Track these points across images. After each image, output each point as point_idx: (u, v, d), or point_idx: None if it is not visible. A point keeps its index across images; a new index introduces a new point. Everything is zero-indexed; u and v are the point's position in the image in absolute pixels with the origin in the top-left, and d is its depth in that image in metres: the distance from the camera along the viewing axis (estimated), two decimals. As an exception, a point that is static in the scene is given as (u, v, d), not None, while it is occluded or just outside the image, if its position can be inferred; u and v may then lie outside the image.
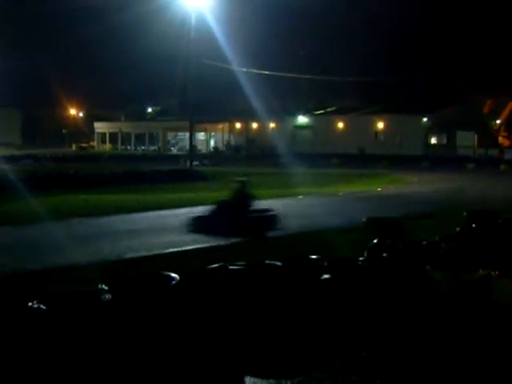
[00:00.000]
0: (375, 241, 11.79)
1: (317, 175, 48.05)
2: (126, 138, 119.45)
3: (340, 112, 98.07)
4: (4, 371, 6.17)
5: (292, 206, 28.77)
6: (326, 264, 9.71)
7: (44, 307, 6.57)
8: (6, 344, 6.27)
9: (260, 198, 30.92)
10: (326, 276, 9.11)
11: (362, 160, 72.07)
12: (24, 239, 18.69)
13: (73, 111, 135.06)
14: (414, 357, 8.33)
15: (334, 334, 8.52)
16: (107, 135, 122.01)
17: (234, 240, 17.74)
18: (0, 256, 16.34)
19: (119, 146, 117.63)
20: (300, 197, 32.48)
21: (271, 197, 31.76)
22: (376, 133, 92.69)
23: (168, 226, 21.43)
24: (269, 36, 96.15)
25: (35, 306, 6.59)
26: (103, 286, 7.24)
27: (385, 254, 10.91)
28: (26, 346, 6.33)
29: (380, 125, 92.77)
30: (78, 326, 6.56)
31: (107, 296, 7.01)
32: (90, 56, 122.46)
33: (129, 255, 15.63)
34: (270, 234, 19.04)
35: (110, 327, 6.72)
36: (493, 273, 10.25)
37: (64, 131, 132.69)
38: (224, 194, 32.49)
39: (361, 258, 10.64)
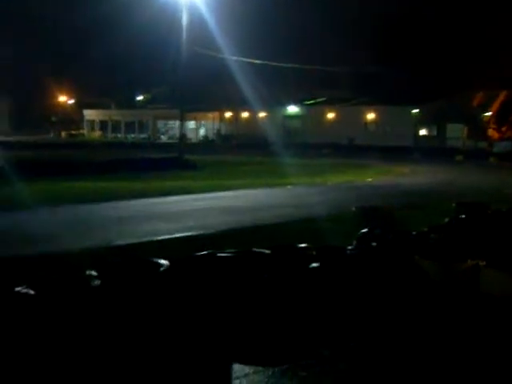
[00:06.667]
0: (364, 230, 11.79)
1: (306, 165, 48.04)
2: (115, 126, 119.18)
3: (330, 102, 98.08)
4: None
5: (282, 195, 28.81)
6: (314, 253, 9.70)
7: (32, 292, 6.53)
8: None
9: (249, 187, 31.13)
10: (314, 265, 9.11)
11: (352, 150, 72.07)
12: (14, 225, 18.64)
13: (63, 98, 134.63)
14: (403, 347, 8.36)
15: (322, 322, 8.52)
16: (97, 123, 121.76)
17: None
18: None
19: (109, 134, 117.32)
20: (289, 187, 32.46)
21: (261, 186, 31.82)
22: (366, 123, 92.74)
23: (157, 214, 21.44)
24: (259, 25, 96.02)
25: (23, 291, 6.55)
26: (92, 272, 7.22)
27: (374, 244, 10.92)
28: (14, 331, 6.31)
29: (370, 115, 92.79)
30: (67, 311, 6.55)
31: (96, 282, 6.99)
32: (80, 43, 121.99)
33: (119, 242, 15.63)
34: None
35: (99, 313, 6.72)
36: (480, 263, 10.29)
37: (54, 118, 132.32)
38: (213, 183, 32.78)
39: (350, 247, 10.64)
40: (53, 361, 6.38)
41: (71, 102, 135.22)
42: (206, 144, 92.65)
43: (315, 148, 73.37)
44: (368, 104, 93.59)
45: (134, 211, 22.19)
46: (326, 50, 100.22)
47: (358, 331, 8.58)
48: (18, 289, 6.54)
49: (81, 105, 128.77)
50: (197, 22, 55.02)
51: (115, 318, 6.79)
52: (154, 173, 38.14)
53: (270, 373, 7.54)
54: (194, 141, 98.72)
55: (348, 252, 10.18)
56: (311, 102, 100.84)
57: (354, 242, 11.27)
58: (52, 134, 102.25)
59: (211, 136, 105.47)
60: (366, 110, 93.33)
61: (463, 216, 14.55)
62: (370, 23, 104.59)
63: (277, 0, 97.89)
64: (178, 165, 44.92)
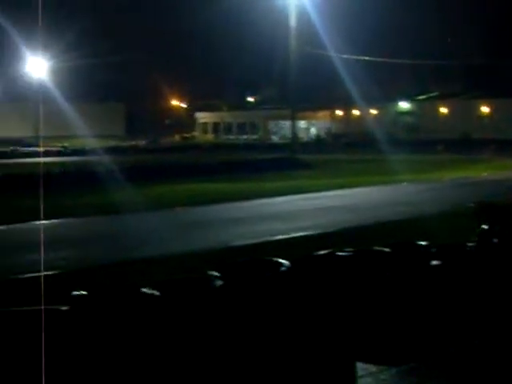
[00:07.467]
0: (485, 226, 11.54)
1: (420, 161, 47.50)
2: (227, 128, 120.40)
3: (443, 97, 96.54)
4: (117, 357, 6.28)
5: (396, 193, 28.53)
6: (434, 250, 9.56)
7: (157, 293, 6.66)
8: (121, 328, 6.38)
9: (363, 185, 30.95)
10: (435, 262, 8.98)
11: (467, 145, 70.61)
12: (130, 228, 19.04)
13: (175, 102, 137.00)
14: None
15: (444, 320, 8.40)
16: (209, 125, 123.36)
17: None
18: (108, 244, 16.77)
19: (221, 136, 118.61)
20: (404, 183, 32.14)
21: (375, 184, 31.58)
22: (480, 117, 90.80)
23: (272, 214, 21.53)
24: (368, 21, 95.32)
25: (149, 292, 6.68)
26: (214, 273, 7.30)
27: (495, 240, 10.69)
28: (140, 330, 6.44)
29: (485, 109, 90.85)
30: (192, 311, 6.65)
31: (219, 282, 7.06)
32: (191, 47, 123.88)
33: (236, 242, 15.77)
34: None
35: (222, 313, 6.79)
36: None
37: (167, 122, 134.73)
38: (327, 181, 32.72)
39: (470, 244, 10.43)
40: (176, 361, 6.48)
41: (183, 105, 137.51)
42: (316, 143, 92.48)
43: (428, 144, 72.32)
44: (482, 97, 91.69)
45: (248, 212, 22.37)
46: (437, 44, 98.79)
47: (482, 329, 8.42)
48: (144, 290, 6.68)
49: (193, 108, 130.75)
50: (305, 20, 55.08)
51: (239, 318, 6.85)
52: (266, 173, 38.31)
53: (394, 372, 7.48)
54: (305, 140, 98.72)
55: (469, 249, 10.00)
56: (423, 97, 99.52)
57: (475, 239, 11.05)
58: (145, 140, 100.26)
59: (322, 135, 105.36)
60: (479, 103, 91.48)
61: None
62: (482, 15, 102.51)
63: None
64: (291, 165, 45.01)
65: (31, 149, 70.95)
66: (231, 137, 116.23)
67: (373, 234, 15.89)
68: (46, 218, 19.08)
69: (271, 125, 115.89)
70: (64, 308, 6.27)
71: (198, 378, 6.52)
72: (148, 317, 6.49)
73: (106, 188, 28.56)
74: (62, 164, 44.60)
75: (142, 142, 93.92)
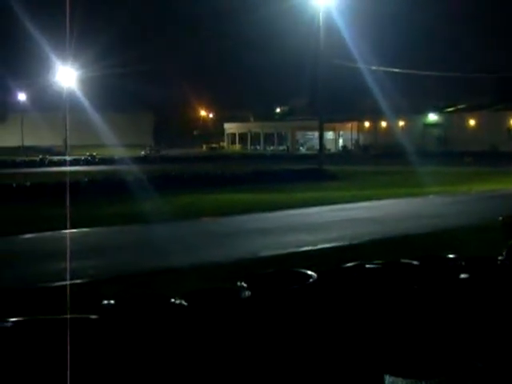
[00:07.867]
0: (514, 240, 11.46)
1: (448, 173, 47.33)
2: (255, 138, 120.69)
3: (471, 109, 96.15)
4: (145, 367, 6.31)
5: (423, 205, 28.41)
6: (463, 263, 9.50)
7: (186, 303, 6.68)
8: (149, 338, 6.41)
9: (390, 197, 30.82)
10: (463, 276, 8.92)
11: (495, 158, 70.19)
12: (158, 238, 19.09)
13: (203, 113, 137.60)
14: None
15: (473, 334, 8.35)
16: (237, 135, 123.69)
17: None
18: (136, 254, 16.85)
19: (249, 146, 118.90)
20: (431, 196, 32.00)
21: (402, 196, 31.45)
22: (509, 130, 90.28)
23: (299, 225, 21.52)
24: (397, 33, 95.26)
25: (177, 302, 6.71)
26: (242, 284, 7.31)
27: (524, 254, 10.60)
28: (168, 340, 6.47)
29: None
30: (219, 322, 6.66)
31: (247, 293, 7.08)
32: (219, 58, 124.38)
33: (263, 253, 15.77)
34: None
35: (250, 324, 6.80)
36: None
37: (195, 132, 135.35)
38: (354, 193, 32.65)
39: (500, 258, 10.36)
40: (203, 371, 6.50)
41: (211, 115, 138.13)
42: (344, 154, 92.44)
43: (456, 156, 72.13)
44: (510, 110, 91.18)
45: (276, 222, 22.36)
46: (465, 56, 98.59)
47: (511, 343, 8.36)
48: (172, 300, 6.71)
49: (220, 118, 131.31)
50: (333, 31, 55.13)
51: (266, 330, 6.85)
52: (294, 184, 38.32)
53: (423, 385, 7.45)
54: (332, 151, 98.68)
55: (499, 262, 9.92)
56: (451, 109, 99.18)
57: (505, 253, 10.98)
58: (145, 151, 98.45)
59: (350, 146, 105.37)
60: (508, 116, 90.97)
61: None
62: (509, 26, 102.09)
63: (412, 8, 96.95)
64: (318, 176, 45.02)
65: (60, 157, 71.70)
66: (258, 147, 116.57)
67: (399, 247, 15.82)
68: (74, 227, 19.20)
69: (299, 136, 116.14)
70: (93, 317, 6.32)
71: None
72: (176, 327, 6.52)
73: (134, 197, 28.76)
74: (90, 173, 45.00)
75: (142, 152, 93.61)
